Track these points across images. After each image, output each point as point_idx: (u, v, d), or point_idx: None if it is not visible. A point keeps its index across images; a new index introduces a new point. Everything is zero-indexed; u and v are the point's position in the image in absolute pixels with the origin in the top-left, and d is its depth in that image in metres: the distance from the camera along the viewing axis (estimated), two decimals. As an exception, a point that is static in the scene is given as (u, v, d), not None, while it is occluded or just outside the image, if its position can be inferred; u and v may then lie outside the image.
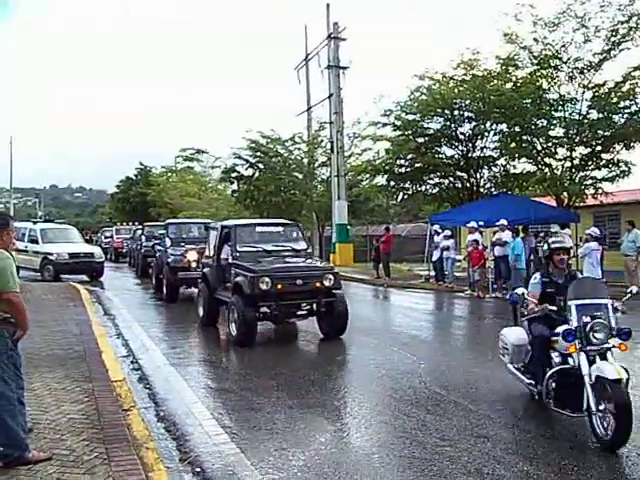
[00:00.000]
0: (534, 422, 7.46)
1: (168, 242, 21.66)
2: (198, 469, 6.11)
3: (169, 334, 14.58)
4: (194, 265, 19.02)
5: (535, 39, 24.62)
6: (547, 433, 7.07)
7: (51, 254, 26.42)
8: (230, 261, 13.83)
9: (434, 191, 32.84)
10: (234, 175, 45.22)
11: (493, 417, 7.69)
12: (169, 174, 69.18)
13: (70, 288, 21.82)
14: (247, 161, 43.58)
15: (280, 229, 15.33)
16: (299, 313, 13.32)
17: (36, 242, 27.38)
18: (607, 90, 24.29)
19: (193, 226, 24.32)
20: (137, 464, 5.68)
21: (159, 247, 23.34)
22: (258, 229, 15.06)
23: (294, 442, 6.88)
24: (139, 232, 34.23)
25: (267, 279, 12.31)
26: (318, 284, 12.85)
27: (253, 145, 42.47)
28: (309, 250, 15.05)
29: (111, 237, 49.75)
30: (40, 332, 12.36)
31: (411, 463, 6.24)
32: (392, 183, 32.79)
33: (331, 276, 13.02)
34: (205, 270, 15.48)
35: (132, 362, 11.05)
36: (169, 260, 20.14)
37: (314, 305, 13.16)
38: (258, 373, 10.26)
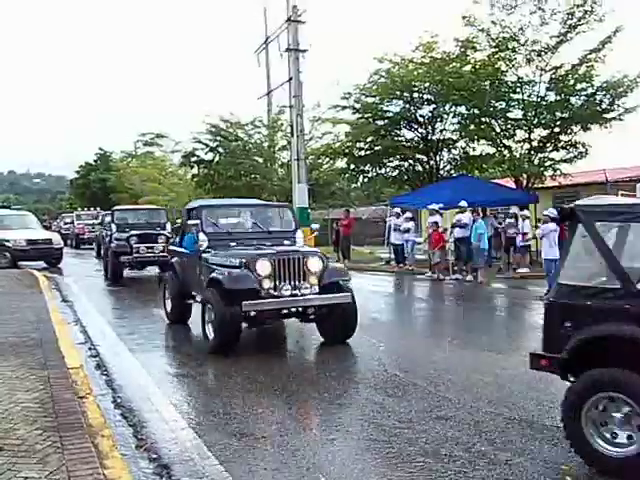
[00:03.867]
0: (492, 404, 7.49)
1: (204, 240, 11.84)
2: (155, 455, 6.02)
3: (128, 320, 14.45)
4: (267, 286, 10.44)
5: (493, 22, 24.75)
6: (505, 414, 7.10)
7: (8, 241, 25.96)
8: None
9: (394, 174, 33.01)
10: (194, 159, 44.87)
11: (451, 399, 7.72)
12: (129, 159, 68.54)
13: (28, 275, 21.54)
14: (207, 145, 43.28)
15: None
16: None
17: (-7, 229, 26.83)
18: (564, 72, 24.55)
19: (244, 211, 13.49)
20: (92, 452, 5.58)
21: (177, 248, 13.97)
22: None
23: (252, 427, 6.85)
24: (108, 219, 26.01)
25: None
26: None
27: (213, 129, 42.21)
28: None
29: (71, 223, 48.48)
30: (-5, 320, 12.20)
31: (369, 445, 6.25)
32: (352, 166, 32.92)
33: None
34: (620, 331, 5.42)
35: (90, 349, 10.91)
36: (220, 277, 10.55)
37: None
38: (216, 358, 10.19)
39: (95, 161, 77.63)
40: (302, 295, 10.50)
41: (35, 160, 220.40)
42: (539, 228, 18.07)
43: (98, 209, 47.70)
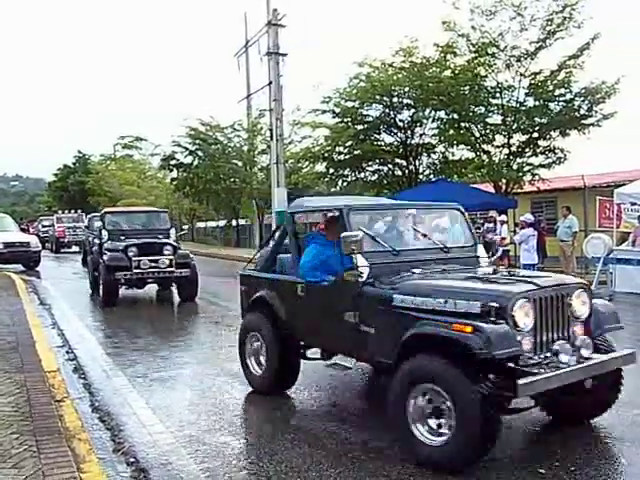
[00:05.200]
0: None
1: (364, 266, 6.93)
2: (132, 459, 6.02)
3: (106, 323, 14.38)
4: (528, 347, 5.88)
5: (473, 27, 24.81)
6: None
7: (-15, 243, 25.74)
8: None
9: (373, 178, 33.02)
10: (173, 163, 44.95)
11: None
12: (108, 162, 68.46)
13: (4, 277, 21.39)
14: (186, 149, 43.33)
15: None
16: None
17: (-31, 232, 26.50)
18: (543, 78, 24.64)
19: (402, 215, 8.46)
20: (68, 456, 5.54)
21: (271, 275, 8.68)
22: None
23: (230, 430, 6.83)
24: (98, 224, 20.39)
25: None
26: None
27: (192, 133, 42.25)
28: None
29: (51, 226, 46.88)
30: (-29, 323, 12.10)
31: (348, 447, 6.25)
32: (331, 170, 32.93)
33: None
34: None
35: (67, 352, 10.87)
36: (465, 338, 5.57)
37: None
38: (194, 362, 10.17)
39: (74, 164, 77.54)
40: (583, 359, 5.98)
41: (13, 162, 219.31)
42: (517, 234, 18.14)
43: (79, 211, 46.94)
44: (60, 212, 49.03)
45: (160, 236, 18.69)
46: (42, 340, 11.01)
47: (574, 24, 23.68)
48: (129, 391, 8.38)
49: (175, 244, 18.19)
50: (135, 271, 16.74)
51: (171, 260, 17.15)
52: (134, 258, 16.79)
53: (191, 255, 18.27)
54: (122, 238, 18.07)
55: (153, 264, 16.96)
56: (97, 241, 19.57)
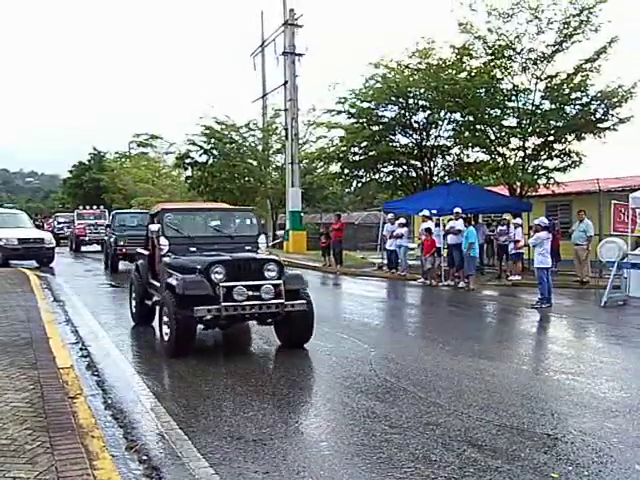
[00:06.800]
0: (483, 410, 7.50)
1: None
2: (145, 457, 6.01)
3: (119, 321, 14.36)
4: None
5: (489, 29, 24.83)
6: (495, 421, 7.10)
7: (0, 239, 25.84)
8: None
9: (388, 179, 33.06)
10: (188, 161, 45.07)
11: (442, 404, 7.72)
12: (123, 160, 68.75)
13: (19, 274, 21.45)
14: (201, 147, 43.46)
15: None
16: None
17: (-16, 227, 26.52)
18: (559, 81, 24.66)
19: None
20: (81, 452, 5.56)
21: None
22: None
23: (242, 429, 6.83)
24: (154, 227, 12.14)
25: None
26: None
27: (207, 131, 42.39)
28: None
29: (67, 223, 45.70)
30: (-15, 318, 12.14)
31: (360, 450, 6.23)
32: (346, 171, 32.94)
33: None
34: None
35: (81, 349, 10.87)
36: None
37: None
38: (208, 360, 10.17)
39: (89, 161, 77.67)
40: None
41: (29, 159, 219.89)
42: (532, 237, 18.10)
43: (102, 207, 45.66)
44: (81, 208, 45.49)
45: (247, 247, 12.25)
46: (56, 336, 11.03)
47: (591, 27, 23.71)
48: (142, 389, 8.39)
49: (280, 261, 11.28)
50: (224, 304, 10.06)
51: (277, 286, 10.54)
52: (222, 284, 10.17)
53: (305, 278, 11.69)
54: (192, 250, 11.62)
55: (252, 293, 10.37)
56: (144, 252, 13.52)
